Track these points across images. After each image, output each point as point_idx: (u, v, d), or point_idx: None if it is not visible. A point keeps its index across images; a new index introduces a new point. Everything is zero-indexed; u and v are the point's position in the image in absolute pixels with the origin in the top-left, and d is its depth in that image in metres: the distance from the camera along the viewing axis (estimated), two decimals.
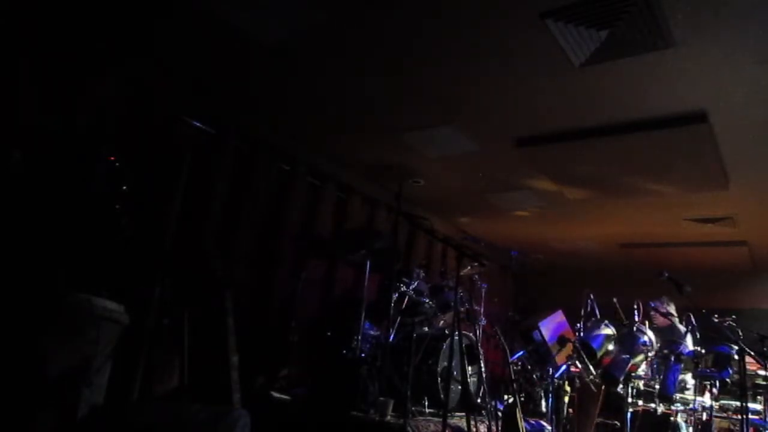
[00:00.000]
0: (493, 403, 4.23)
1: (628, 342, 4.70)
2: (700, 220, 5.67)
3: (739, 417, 4.06)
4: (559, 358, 4.76)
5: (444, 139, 4.56)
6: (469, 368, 4.36)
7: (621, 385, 4.62)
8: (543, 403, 4.70)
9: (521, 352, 4.96)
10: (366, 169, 5.53)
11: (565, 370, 4.68)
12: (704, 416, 4.51)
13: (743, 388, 3.87)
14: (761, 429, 4.61)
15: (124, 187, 3.33)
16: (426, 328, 4.57)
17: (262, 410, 3.30)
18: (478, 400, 4.37)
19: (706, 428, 4.44)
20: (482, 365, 4.43)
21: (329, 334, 4.33)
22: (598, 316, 5.03)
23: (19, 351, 2.49)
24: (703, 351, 4.70)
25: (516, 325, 5.75)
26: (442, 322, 4.79)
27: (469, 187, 5.62)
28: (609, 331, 4.81)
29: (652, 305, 5.15)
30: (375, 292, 5.05)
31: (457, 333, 3.83)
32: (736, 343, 4.02)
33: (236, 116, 4.49)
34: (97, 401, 2.75)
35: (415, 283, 4.59)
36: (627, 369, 4.53)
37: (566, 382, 4.73)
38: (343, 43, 3.41)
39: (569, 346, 4.74)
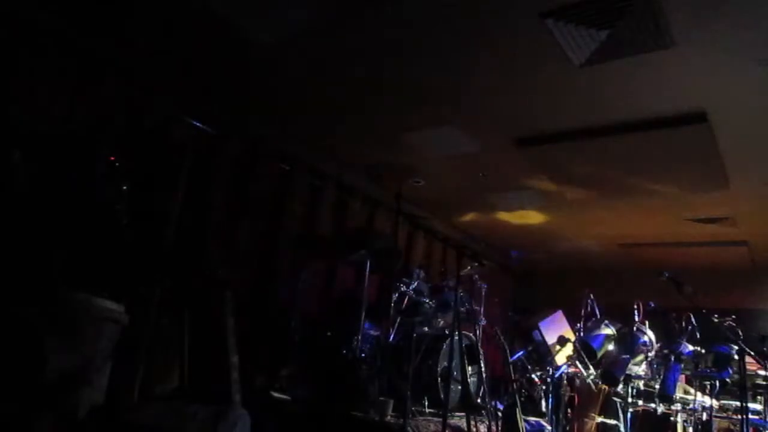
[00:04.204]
0: (493, 403, 4.23)
1: (628, 342, 4.70)
2: (700, 220, 5.67)
3: (739, 417, 4.06)
4: (559, 358, 4.77)
5: (444, 139, 4.56)
6: (469, 368, 4.36)
7: (621, 385, 4.62)
8: (543, 403, 4.70)
9: (521, 352, 4.96)
10: (366, 169, 5.52)
11: (565, 370, 4.68)
12: (704, 416, 4.51)
13: (743, 388, 3.87)
14: (761, 429, 4.60)
15: (124, 187, 3.34)
16: (426, 328, 4.57)
17: (262, 410, 3.30)
18: (478, 400, 4.37)
19: (706, 428, 4.43)
20: (482, 365, 4.43)
21: (329, 334, 4.33)
22: (598, 316, 5.03)
23: (19, 351, 2.49)
24: (703, 351, 4.70)
25: (516, 325, 5.75)
26: (441, 322, 4.79)
27: (469, 187, 5.61)
28: (609, 331, 4.81)
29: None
30: (375, 292, 5.05)
31: (457, 333, 3.83)
32: (736, 343, 4.02)
33: (236, 116, 4.49)
34: (97, 401, 2.75)
35: (415, 283, 4.58)
36: (627, 369, 4.53)
37: (566, 382, 4.73)
38: (343, 42, 3.41)
39: (569, 346, 4.74)
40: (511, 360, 4.34)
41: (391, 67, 3.61)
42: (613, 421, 4.77)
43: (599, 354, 4.65)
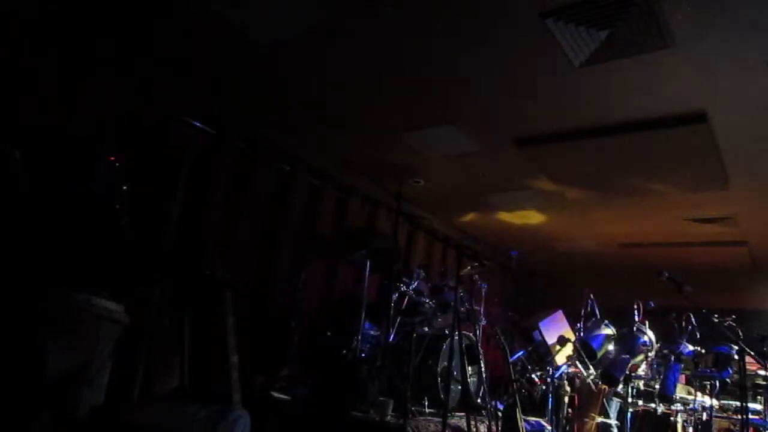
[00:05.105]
0: (493, 403, 4.23)
1: (628, 342, 4.69)
2: (700, 220, 5.67)
3: (739, 417, 4.06)
4: (559, 358, 4.76)
5: (444, 139, 4.56)
6: (469, 368, 4.35)
7: (621, 385, 4.61)
8: (543, 403, 4.70)
9: (521, 352, 4.96)
10: (366, 169, 5.52)
11: (565, 370, 4.68)
12: (704, 416, 4.51)
13: (743, 388, 3.87)
14: (761, 429, 4.60)
15: (124, 187, 3.34)
16: (426, 328, 4.57)
17: (262, 410, 3.30)
18: (478, 400, 4.37)
19: (706, 428, 4.44)
20: (482, 365, 4.43)
21: (329, 334, 4.33)
22: (598, 316, 5.03)
23: (19, 351, 2.49)
24: (703, 351, 4.70)
25: (516, 325, 5.75)
26: (441, 322, 4.79)
27: (469, 187, 5.62)
28: (609, 331, 4.81)
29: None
30: (375, 292, 5.05)
31: (457, 333, 3.83)
32: (736, 343, 4.02)
33: (236, 116, 4.49)
34: (97, 401, 2.75)
35: (415, 283, 4.58)
36: (627, 369, 4.53)
37: (566, 382, 4.72)
38: (342, 42, 3.41)
39: (569, 346, 4.74)
40: (511, 360, 4.33)
41: (391, 67, 3.61)
42: (613, 421, 4.77)
43: (599, 354, 4.64)
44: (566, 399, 4.68)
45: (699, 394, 4.59)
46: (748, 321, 5.08)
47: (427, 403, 4.05)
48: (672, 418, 4.64)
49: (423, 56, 3.44)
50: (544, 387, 4.71)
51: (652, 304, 5.00)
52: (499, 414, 3.94)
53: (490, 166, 5.04)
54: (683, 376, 4.93)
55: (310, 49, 3.50)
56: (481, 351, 4.47)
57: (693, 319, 4.76)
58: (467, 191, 5.77)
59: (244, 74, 3.95)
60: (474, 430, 3.55)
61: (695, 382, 4.66)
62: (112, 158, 3.16)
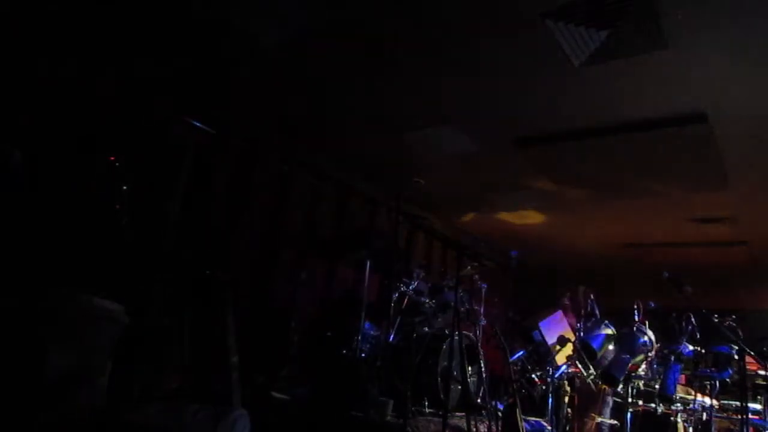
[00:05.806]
0: (493, 403, 4.23)
1: (628, 342, 4.69)
2: (700, 220, 5.67)
3: (739, 417, 4.06)
4: (559, 358, 4.76)
5: (444, 139, 4.56)
6: (469, 368, 4.35)
7: (621, 385, 4.61)
8: (543, 403, 4.70)
9: (521, 352, 4.95)
10: (366, 169, 5.52)
11: (565, 370, 4.68)
12: (704, 416, 4.51)
13: (743, 388, 3.87)
14: (761, 429, 4.60)
15: (124, 187, 3.34)
16: (426, 328, 4.57)
17: (262, 410, 3.30)
18: (478, 400, 4.37)
19: (706, 428, 4.43)
20: (482, 365, 4.43)
21: (329, 334, 4.33)
22: (598, 316, 5.03)
23: (20, 351, 2.49)
24: (703, 351, 4.70)
25: (516, 325, 5.74)
26: (441, 322, 4.78)
27: (469, 187, 5.62)
28: (609, 331, 4.80)
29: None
30: (375, 292, 5.05)
31: (457, 333, 3.82)
32: (736, 343, 4.02)
33: (236, 116, 4.49)
34: (97, 401, 2.75)
35: (415, 283, 4.58)
36: (627, 369, 4.53)
37: (566, 382, 4.72)
38: (343, 44, 3.41)
39: (569, 346, 4.74)
40: (511, 360, 4.33)
41: (391, 67, 3.61)
42: (613, 421, 4.77)
43: (599, 354, 4.64)
44: (566, 399, 4.68)
45: (699, 394, 4.58)
46: (749, 321, 5.08)
47: (427, 403, 4.05)
48: (672, 418, 4.63)
49: (423, 56, 3.44)
50: (544, 387, 4.71)
51: (652, 304, 4.99)
52: (499, 414, 3.94)
53: (490, 166, 5.04)
54: (683, 376, 4.92)
55: (311, 50, 3.50)
56: (481, 351, 4.47)
57: (693, 319, 4.76)
58: (467, 191, 5.77)
59: (244, 74, 3.95)
60: (474, 430, 3.55)
61: (695, 382, 4.66)
62: (112, 158, 3.17)
